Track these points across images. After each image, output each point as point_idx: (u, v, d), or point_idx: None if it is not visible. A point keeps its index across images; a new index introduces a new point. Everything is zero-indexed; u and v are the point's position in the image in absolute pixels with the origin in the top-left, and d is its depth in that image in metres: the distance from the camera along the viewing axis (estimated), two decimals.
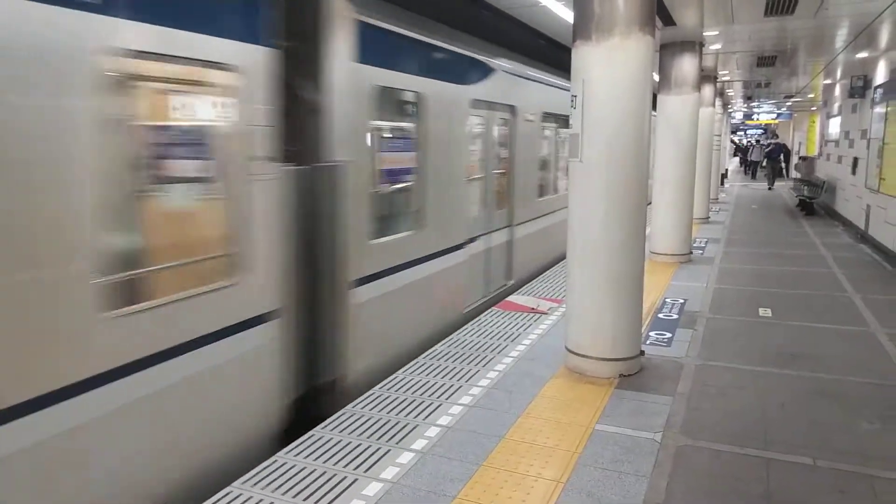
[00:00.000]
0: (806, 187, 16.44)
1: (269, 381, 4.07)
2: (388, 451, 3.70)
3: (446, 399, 4.43)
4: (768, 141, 28.08)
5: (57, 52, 2.71)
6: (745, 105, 26.71)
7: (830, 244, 11.16)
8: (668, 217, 9.47)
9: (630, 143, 4.62)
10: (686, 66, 9.57)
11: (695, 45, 9.59)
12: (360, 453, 3.67)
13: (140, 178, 3.38)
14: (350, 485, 3.34)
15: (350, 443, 3.80)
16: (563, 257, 6.50)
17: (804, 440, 3.86)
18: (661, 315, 6.56)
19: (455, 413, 4.20)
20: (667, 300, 7.16)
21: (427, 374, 4.89)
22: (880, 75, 11.20)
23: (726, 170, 26.64)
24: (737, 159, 37.00)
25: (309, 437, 3.88)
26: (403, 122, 5.81)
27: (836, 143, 15.51)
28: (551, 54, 9.69)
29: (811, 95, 20.21)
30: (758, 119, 32.17)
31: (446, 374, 4.89)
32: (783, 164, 25.14)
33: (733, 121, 33.00)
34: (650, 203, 6.81)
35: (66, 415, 2.83)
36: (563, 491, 3.27)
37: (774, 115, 30.30)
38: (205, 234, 3.81)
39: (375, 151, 5.18)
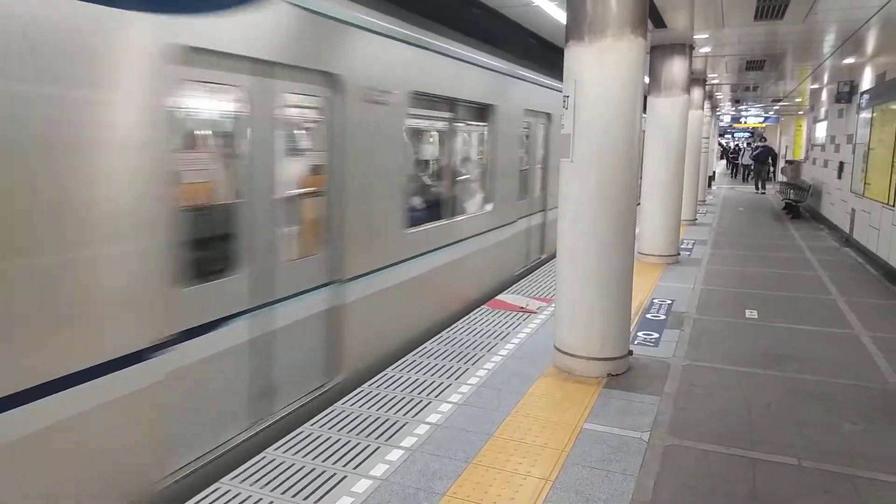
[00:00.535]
0: (792, 191, 16.61)
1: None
2: (378, 448, 3.70)
3: (435, 397, 4.43)
4: (756, 144, 28.32)
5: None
6: (734, 108, 26.93)
7: (816, 247, 11.29)
8: (656, 218, 9.54)
9: (621, 144, 4.64)
10: (676, 68, 9.63)
11: (685, 47, 9.65)
12: (350, 450, 3.67)
13: None
14: (339, 481, 3.33)
15: (339, 440, 3.80)
16: None
17: (789, 440, 3.91)
18: (648, 315, 6.60)
19: (444, 411, 4.20)
20: (654, 301, 7.21)
21: (416, 372, 4.90)
22: (866, 81, 11.34)
23: (714, 172, 26.84)
24: (724, 162, 37.31)
25: (298, 434, 3.87)
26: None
27: (823, 147, 15.67)
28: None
29: (798, 100, 20.42)
30: (745, 122, 32.45)
31: (436, 372, 4.89)
32: (771, 168, 25.36)
33: (721, 124, 33.26)
34: (639, 204, 6.85)
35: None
36: (552, 489, 3.29)
37: (762, 119, 30.57)
38: None
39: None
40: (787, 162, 23.68)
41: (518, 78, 8.11)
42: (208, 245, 3.74)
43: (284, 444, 3.75)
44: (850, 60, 11.43)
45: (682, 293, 7.61)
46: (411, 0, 5.69)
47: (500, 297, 7.26)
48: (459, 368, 4.98)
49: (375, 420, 4.07)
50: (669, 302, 7.16)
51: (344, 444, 3.74)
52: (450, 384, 4.66)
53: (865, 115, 10.80)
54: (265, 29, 3.81)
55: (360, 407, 4.27)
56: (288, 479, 3.36)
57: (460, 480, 3.36)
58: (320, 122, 4.57)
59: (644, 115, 9.90)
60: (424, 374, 4.87)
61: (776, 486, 3.40)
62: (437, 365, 5.05)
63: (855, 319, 6.62)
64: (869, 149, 10.25)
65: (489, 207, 7.56)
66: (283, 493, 3.23)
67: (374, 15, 4.97)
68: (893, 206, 8.56)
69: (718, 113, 26.75)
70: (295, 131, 4.54)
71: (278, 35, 3.93)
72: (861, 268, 9.48)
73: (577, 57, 4.68)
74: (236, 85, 3.72)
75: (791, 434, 4.00)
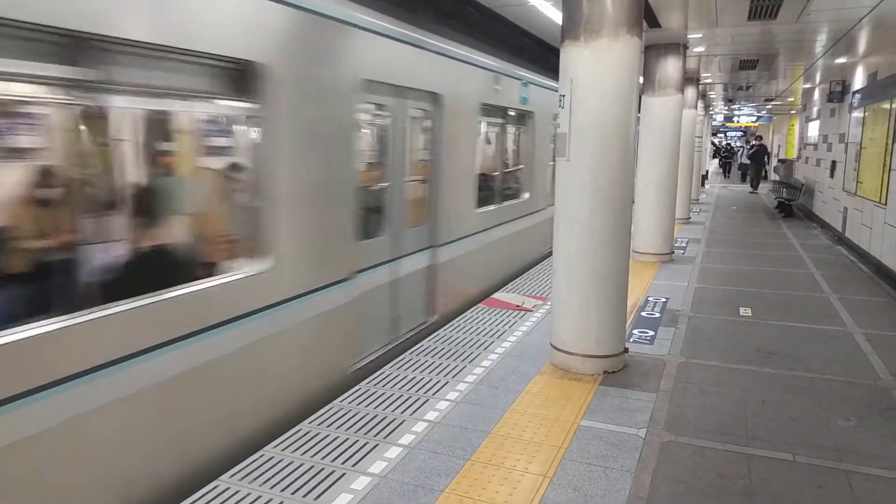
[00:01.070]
0: (785, 189, 16.70)
1: None
2: (376, 445, 3.72)
3: (433, 395, 4.46)
4: (751, 143, 28.44)
5: None
6: (726, 107, 27.04)
7: (808, 245, 11.37)
8: (650, 217, 9.58)
9: (616, 143, 4.68)
10: (670, 68, 9.68)
11: (679, 47, 9.71)
12: (348, 448, 3.69)
13: None
14: (338, 479, 3.35)
15: (337, 437, 3.82)
16: None
17: (784, 436, 3.95)
18: (643, 313, 6.64)
19: (442, 408, 4.23)
20: (649, 299, 7.25)
21: (414, 370, 4.92)
22: (858, 80, 11.41)
23: (707, 171, 26.95)
24: (716, 161, 37.42)
25: (296, 432, 3.89)
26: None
27: (815, 146, 15.76)
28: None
29: (791, 99, 20.54)
30: (738, 122, 32.58)
31: (433, 370, 4.91)
32: (766, 167, 25.48)
33: (714, 122, 33.39)
34: (634, 202, 6.90)
35: None
36: (550, 485, 3.32)
37: (755, 118, 30.69)
38: None
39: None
40: (779, 161, 23.78)
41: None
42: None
43: (283, 441, 3.77)
44: (842, 60, 11.51)
45: (677, 291, 7.66)
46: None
47: (496, 295, 7.29)
48: (457, 366, 5.00)
49: (374, 418, 4.09)
50: (664, 300, 7.20)
51: (343, 442, 3.76)
52: (448, 382, 4.69)
53: (857, 114, 10.88)
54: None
55: (359, 405, 4.28)
56: (287, 476, 3.38)
57: (459, 477, 3.39)
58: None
59: (638, 115, 10.04)
60: (423, 372, 4.89)
61: (771, 480, 3.44)
62: (435, 363, 5.08)
63: (848, 317, 6.68)
64: (861, 148, 10.33)
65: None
66: (282, 490, 3.25)
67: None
68: (885, 204, 8.63)
69: (711, 112, 26.85)
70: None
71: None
72: (853, 266, 9.55)
73: (573, 57, 4.71)
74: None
75: (785, 430, 4.05)
